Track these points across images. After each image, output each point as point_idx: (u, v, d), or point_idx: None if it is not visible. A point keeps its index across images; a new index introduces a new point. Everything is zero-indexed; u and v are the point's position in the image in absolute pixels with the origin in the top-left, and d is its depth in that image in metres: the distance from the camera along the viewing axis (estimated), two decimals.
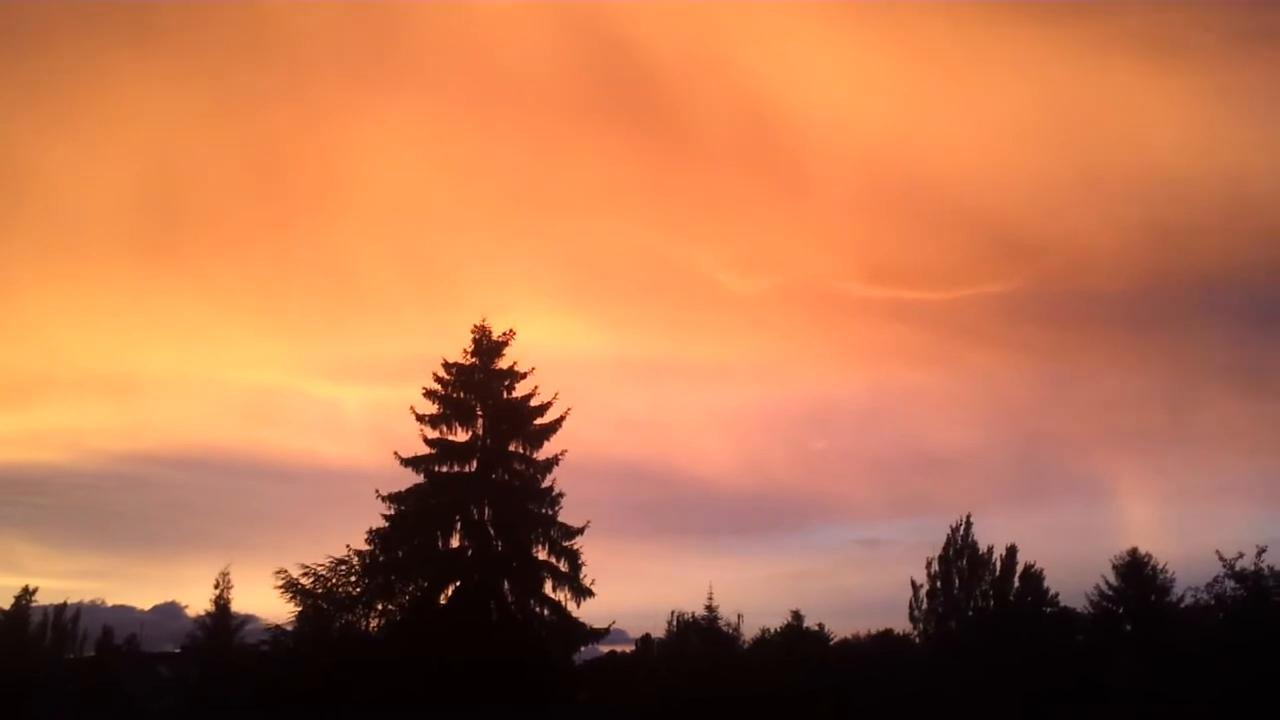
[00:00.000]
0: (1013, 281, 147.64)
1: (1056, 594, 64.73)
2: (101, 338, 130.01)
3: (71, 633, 70.11)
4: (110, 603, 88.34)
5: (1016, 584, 64.22)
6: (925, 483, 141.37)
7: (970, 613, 64.21)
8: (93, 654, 70.30)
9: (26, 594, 67.57)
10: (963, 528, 65.60)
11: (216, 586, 57.75)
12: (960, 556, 64.95)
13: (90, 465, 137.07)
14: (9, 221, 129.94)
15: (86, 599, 76.89)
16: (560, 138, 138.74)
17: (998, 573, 64.59)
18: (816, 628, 68.52)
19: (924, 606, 64.60)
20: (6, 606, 67.62)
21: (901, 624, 68.15)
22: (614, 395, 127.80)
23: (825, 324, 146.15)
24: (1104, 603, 64.29)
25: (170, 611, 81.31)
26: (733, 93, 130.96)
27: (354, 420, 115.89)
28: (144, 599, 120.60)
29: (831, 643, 69.24)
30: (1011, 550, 64.85)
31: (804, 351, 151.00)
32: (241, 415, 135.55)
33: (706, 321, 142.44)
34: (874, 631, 73.40)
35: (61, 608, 69.81)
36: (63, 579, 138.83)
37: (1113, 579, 64.38)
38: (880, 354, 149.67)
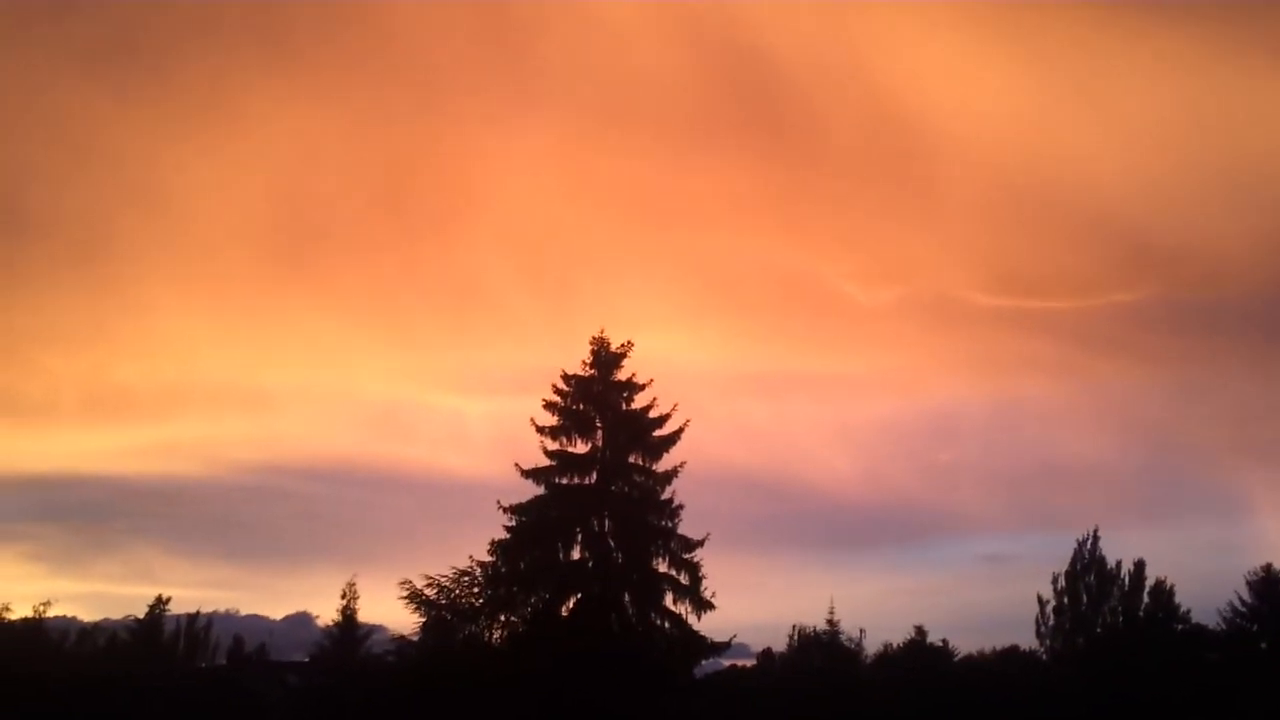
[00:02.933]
0: (1144, 290, 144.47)
1: (1188, 610, 63.14)
2: (234, 352, 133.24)
3: (203, 641, 71.45)
4: (244, 612, 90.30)
5: (1146, 600, 62.77)
6: (1052, 496, 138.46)
7: (1098, 629, 62.85)
8: (224, 662, 71.74)
9: (160, 603, 69.16)
10: (1090, 542, 64.31)
11: (343, 597, 58.57)
12: (1088, 572, 63.64)
13: (223, 477, 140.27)
14: (145, 239, 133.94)
15: (220, 608, 78.60)
16: (685, 149, 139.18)
17: (1126, 588, 63.19)
18: (940, 644, 67.49)
19: (1051, 623, 63.41)
20: (141, 615, 69.35)
21: (1027, 640, 66.93)
22: (736, 407, 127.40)
23: (951, 335, 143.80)
24: (1237, 620, 62.52)
25: (301, 621, 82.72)
26: (860, 101, 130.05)
27: (478, 432, 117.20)
28: (276, 609, 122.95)
29: (956, 659, 68.10)
30: (1140, 565, 63.48)
31: (929, 363, 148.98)
32: (369, 427, 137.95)
33: (830, 333, 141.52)
34: (999, 648, 72.06)
35: (194, 617, 71.30)
36: (196, 588, 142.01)
37: (1247, 595, 62.64)
38: (1007, 365, 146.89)
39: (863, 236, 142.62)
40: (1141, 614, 62.27)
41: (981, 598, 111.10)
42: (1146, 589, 62.69)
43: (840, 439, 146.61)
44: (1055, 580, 63.94)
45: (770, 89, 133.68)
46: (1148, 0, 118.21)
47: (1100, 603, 63.15)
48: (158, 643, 68.69)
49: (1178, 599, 62.79)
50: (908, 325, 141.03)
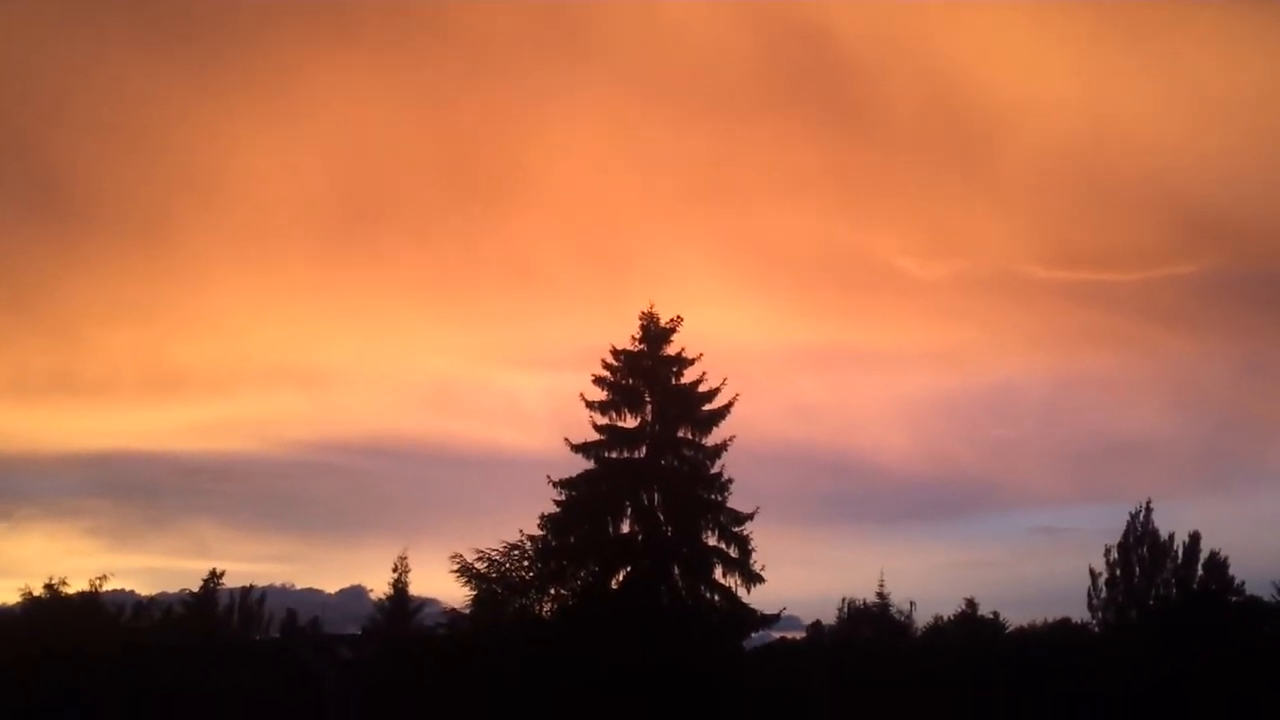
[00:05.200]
0: (1205, 261, 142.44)
1: (1243, 583, 62.32)
2: (289, 329, 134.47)
3: (257, 614, 72.19)
4: (299, 586, 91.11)
5: (1200, 572, 62.07)
6: (1107, 469, 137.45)
7: (1151, 601, 62.30)
8: (277, 635, 72.46)
9: (214, 577, 69.87)
10: (1143, 514, 63.64)
11: (395, 570, 59.07)
12: (1141, 544, 62.91)
13: (278, 453, 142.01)
14: (201, 218, 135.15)
15: (276, 582, 79.33)
16: (741, 124, 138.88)
17: (1180, 560, 62.52)
18: (991, 616, 67.16)
19: (1103, 595, 62.86)
20: (196, 589, 70.11)
21: (1079, 613, 66.40)
22: (791, 382, 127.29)
23: (1009, 308, 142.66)
24: None
25: (356, 594, 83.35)
26: (918, 73, 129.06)
27: (531, 407, 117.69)
28: (331, 582, 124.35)
29: (1007, 631, 67.76)
30: (1195, 537, 62.66)
31: (986, 337, 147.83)
32: (422, 403, 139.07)
33: (886, 308, 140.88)
34: (1051, 620, 71.57)
35: (248, 590, 72.03)
36: (251, 563, 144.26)
37: None
38: (1065, 338, 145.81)
39: (920, 210, 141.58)
40: (1195, 586, 61.63)
41: (1033, 570, 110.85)
42: (1201, 561, 61.98)
43: (894, 414, 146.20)
44: (1107, 552, 63.28)
45: (827, 62, 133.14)
46: None
47: (1153, 575, 62.47)
48: (212, 616, 69.42)
49: (1232, 571, 62.06)
50: (965, 299, 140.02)
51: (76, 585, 64.12)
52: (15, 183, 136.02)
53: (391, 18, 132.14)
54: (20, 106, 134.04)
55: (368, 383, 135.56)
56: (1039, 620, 72.69)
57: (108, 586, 66.53)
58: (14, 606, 66.83)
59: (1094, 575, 63.17)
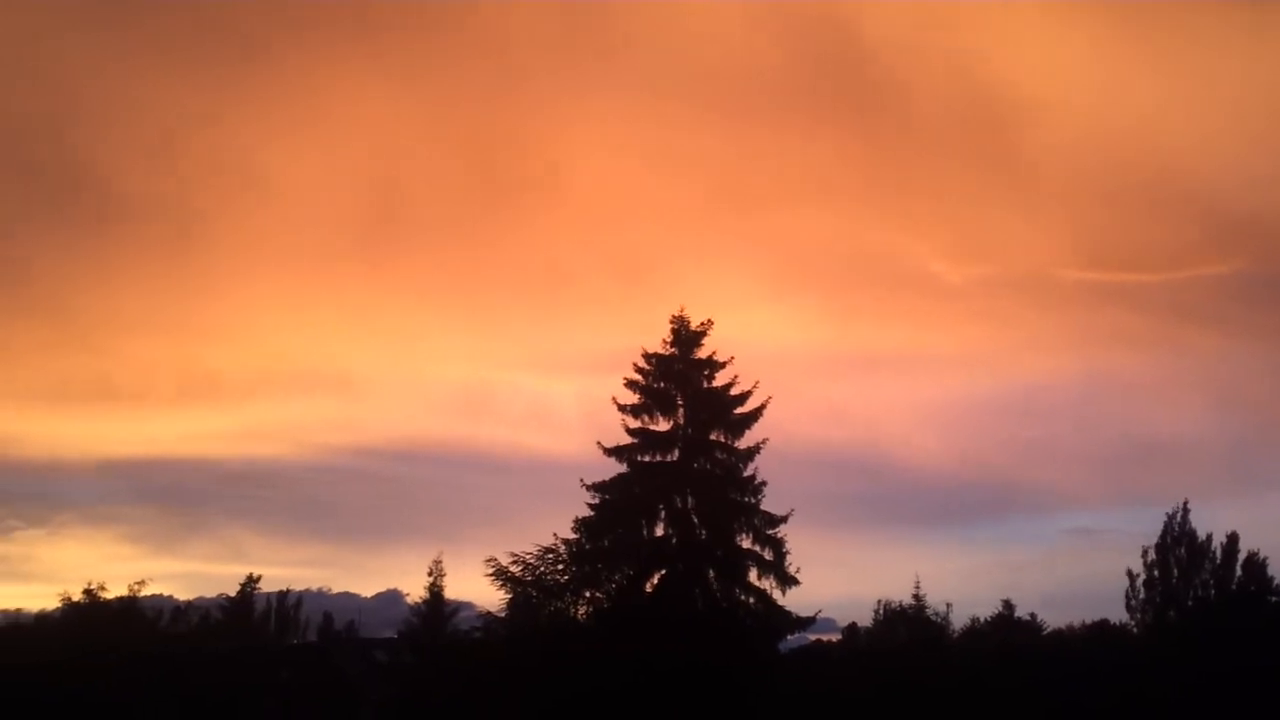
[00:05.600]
0: (1235, 262, 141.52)
1: None
2: (322, 337, 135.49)
3: (294, 618, 72.56)
4: (335, 590, 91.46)
5: (1239, 573, 61.59)
6: (1141, 470, 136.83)
7: (1190, 603, 61.85)
8: (314, 639, 72.85)
9: (251, 581, 70.26)
10: (1180, 515, 63.15)
11: (430, 574, 59.24)
12: (1178, 545, 62.42)
13: (313, 459, 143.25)
14: (237, 225, 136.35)
15: (313, 587, 79.57)
16: (769, 127, 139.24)
17: (1218, 561, 62.02)
18: (1029, 618, 66.88)
19: (1141, 596, 62.42)
20: (233, 593, 70.55)
21: (1117, 615, 66.04)
22: (823, 385, 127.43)
23: (1040, 310, 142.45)
24: None
25: (391, 599, 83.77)
26: (948, 78, 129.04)
27: (562, 411, 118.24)
28: (367, 586, 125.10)
29: (1044, 633, 67.46)
30: (1233, 538, 62.13)
31: (1018, 339, 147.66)
32: (455, 408, 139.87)
33: (918, 311, 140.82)
34: (1088, 622, 71.22)
35: (284, 594, 72.42)
36: (287, 567, 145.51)
37: None
38: (1097, 339, 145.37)
39: (950, 214, 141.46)
40: (1234, 587, 61.16)
41: (1070, 572, 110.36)
42: (1239, 562, 61.51)
43: (928, 416, 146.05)
44: (1145, 554, 62.80)
45: (857, 67, 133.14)
46: None
47: (1191, 576, 61.99)
48: (249, 620, 69.85)
49: (1271, 572, 61.57)
50: (996, 302, 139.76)
51: (115, 590, 64.69)
52: (52, 194, 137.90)
53: (419, 25, 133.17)
54: (56, 117, 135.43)
55: (401, 388, 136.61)
56: (1076, 622, 72.47)
57: (146, 591, 67.07)
58: (54, 611, 67.50)
59: (1132, 577, 62.74)
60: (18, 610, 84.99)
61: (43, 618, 71.12)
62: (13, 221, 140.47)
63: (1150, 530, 63.61)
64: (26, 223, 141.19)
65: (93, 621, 62.52)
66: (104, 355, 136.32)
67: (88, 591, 63.76)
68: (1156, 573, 62.36)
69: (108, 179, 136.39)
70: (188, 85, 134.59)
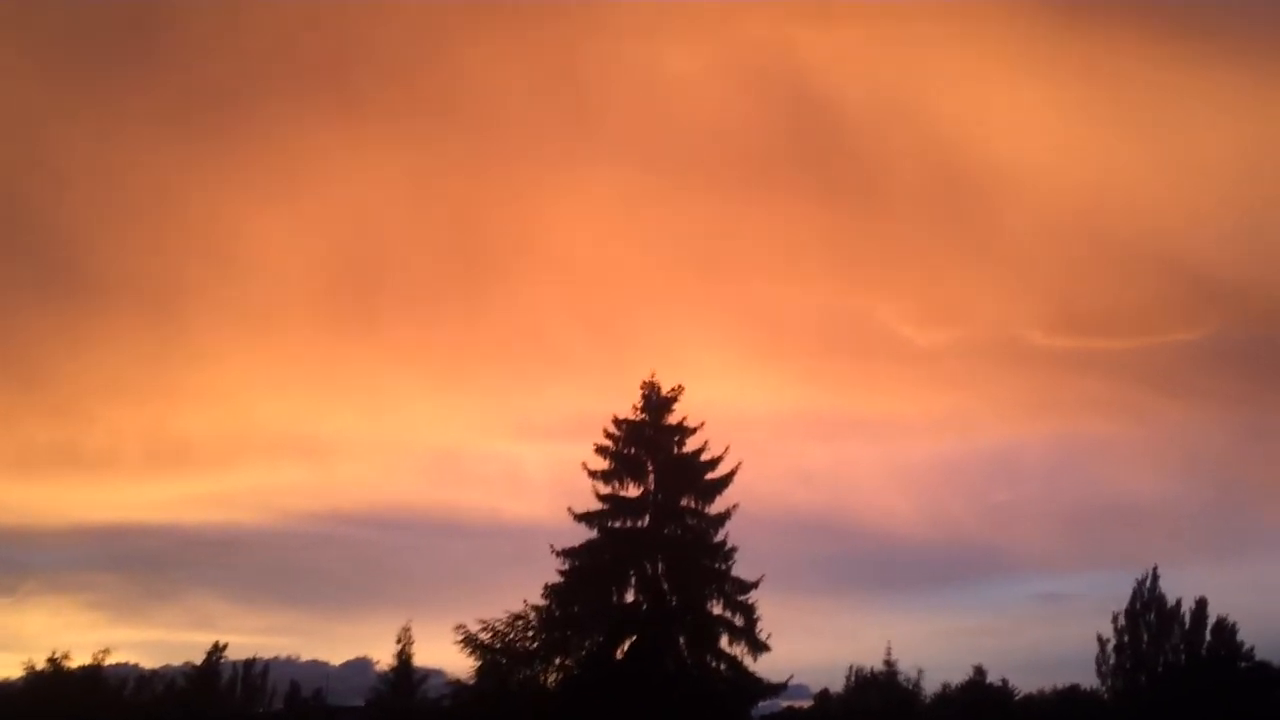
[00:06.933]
0: (1204, 328, 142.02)
1: (1252, 648, 62.20)
2: (292, 401, 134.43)
3: (260, 687, 71.77)
4: (304, 658, 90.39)
5: (1208, 638, 61.95)
6: (1111, 535, 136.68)
7: (1160, 668, 62.03)
8: (280, 708, 72.06)
9: (217, 649, 69.55)
10: (1149, 580, 63.57)
11: (398, 641, 58.82)
12: (1148, 610, 62.86)
13: (281, 525, 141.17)
14: (206, 291, 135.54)
15: (281, 654, 78.73)
16: (740, 194, 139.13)
17: (1188, 626, 62.39)
18: (1000, 683, 66.82)
19: (1111, 661, 62.61)
20: (199, 662, 69.83)
21: (1088, 679, 66.14)
22: (792, 451, 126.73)
23: (1009, 375, 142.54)
24: None
25: (361, 667, 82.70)
26: (915, 143, 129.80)
27: (533, 476, 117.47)
28: (336, 654, 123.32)
29: (1016, 699, 67.39)
30: (1201, 603, 62.67)
31: (986, 403, 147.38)
32: (425, 473, 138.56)
33: (886, 375, 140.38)
34: (1060, 687, 71.19)
35: (250, 663, 71.64)
36: (256, 635, 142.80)
37: None
38: (1066, 405, 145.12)
39: (918, 278, 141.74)
40: (1204, 652, 61.43)
41: (1040, 637, 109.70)
42: (1209, 627, 61.88)
43: (896, 480, 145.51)
44: (1115, 619, 63.19)
45: (825, 133, 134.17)
46: (1206, 38, 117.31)
47: (1161, 641, 62.36)
48: (215, 689, 69.07)
49: (1240, 637, 61.97)
50: (964, 366, 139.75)
51: (80, 659, 64.05)
52: (21, 258, 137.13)
53: (398, 93, 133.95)
54: (27, 182, 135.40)
55: (371, 453, 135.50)
56: (1048, 687, 72.44)
57: (111, 660, 66.47)
58: (17, 680, 66.73)
59: (1102, 642, 63.07)
60: None
61: (6, 686, 70.27)
62: None
63: (1120, 595, 64.03)
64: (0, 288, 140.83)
65: (57, 690, 61.86)
66: (72, 422, 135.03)
67: (52, 660, 63.16)
68: (1126, 638, 62.71)
69: (80, 247, 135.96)
70: (163, 157, 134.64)
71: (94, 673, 64.77)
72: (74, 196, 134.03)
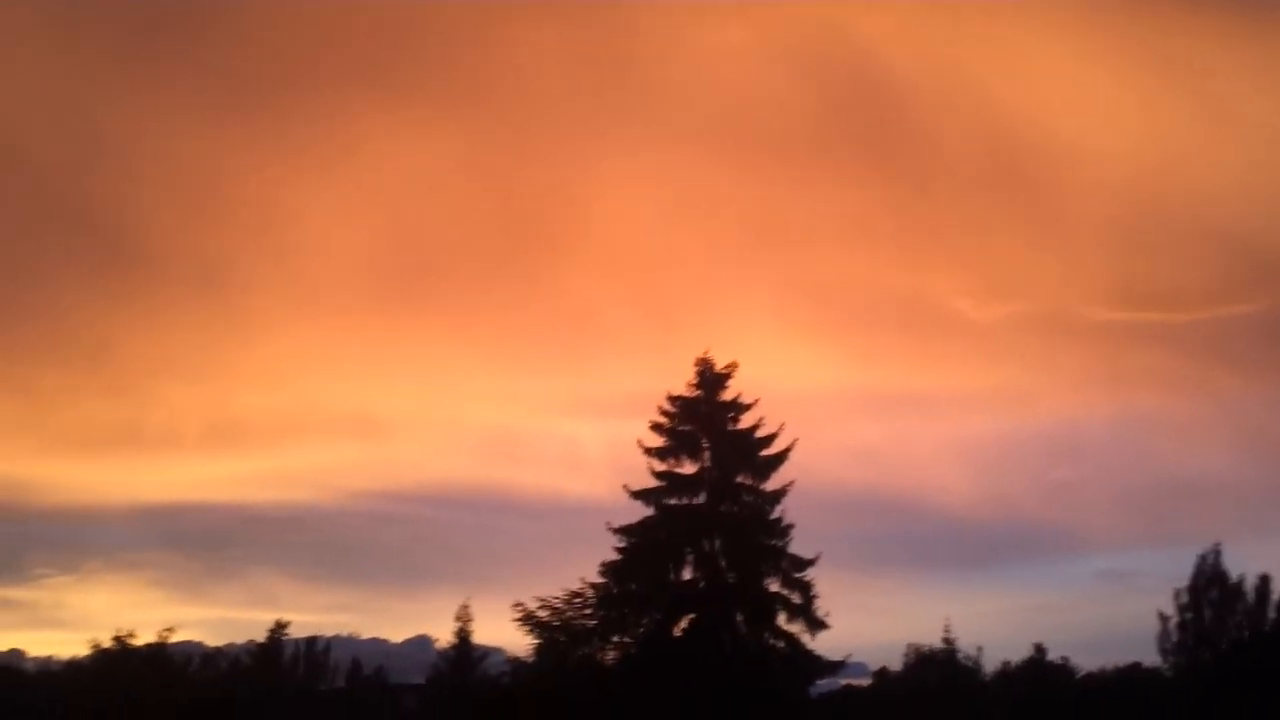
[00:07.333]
0: (1264, 300, 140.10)
1: None
2: (349, 381, 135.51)
3: (323, 664, 72.47)
4: (365, 635, 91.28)
5: (1273, 614, 61.11)
6: (1172, 511, 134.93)
7: (1223, 644, 61.31)
8: (342, 685, 72.78)
9: (279, 627, 70.30)
10: (1212, 556, 62.71)
11: (458, 619, 59.25)
12: (1210, 586, 61.95)
13: (340, 504, 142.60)
14: (262, 272, 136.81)
15: (342, 632, 79.55)
16: (794, 168, 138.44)
17: (1251, 602, 61.58)
18: (1061, 661, 66.37)
19: (1174, 639, 61.94)
20: (262, 639, 70.64)
21: (1150, 657, 65.50)
22: (849, 426, 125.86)
23: (1068, 350, 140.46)
24: None
25: (421, 644, 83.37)
26: (973, 115, 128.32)
27: (589, 454, 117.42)
28: (397, 632, 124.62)
29: (1077, 677, 66.90)
30: (1265, 579, 61.72)
31: (1045, 379, 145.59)
32: (482, 452, 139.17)
33: (943, 351, 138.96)
34: (1121, 665, 70.61)
35: (312, 640, 72.35)
36: (316, 612, 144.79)
37: None
38: (1126, 379, 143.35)
39: (976, 252, 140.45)
40: (1268, 628, 60.62)
41: (1101, 615, 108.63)
42: (1273, 603, 61.02)
43: (955, 457, 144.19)
44: (1177, 595, 62.37)
45: (881, 105, 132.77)
46: (1266, 11, 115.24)
47: (1224, 618, 61.49)
48: (278, 666, 69.80)
49: None
50: (1023, 341, 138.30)
51: (144, 637, 64.95)
52: (81, 240, 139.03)
53: (447, 73, 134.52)
54: (87, 166, 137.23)
55: (427, 432, 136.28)
56: (1109, 665, 71.88)
57: (175, 638, 67.37)
58: (84, 658, 67.83)
59: (1164, 619, 62.32)
60: (49, 657, 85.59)
61: (73, 665, 71.50)
62: (44, 268, 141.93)
63: (1182, 572, 63.13)
64: (57, 270, 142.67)
65: (123, 668, 62.77)
66: (132, 401, 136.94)
67: (117, 638, 64.09)
68: (1189, 615, 61.89)
69: (138, 229, 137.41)
70: (221, 139, 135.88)
71: (159, 651, 65.68)
72: (132, 180, 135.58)
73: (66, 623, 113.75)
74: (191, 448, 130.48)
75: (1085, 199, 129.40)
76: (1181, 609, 62.10)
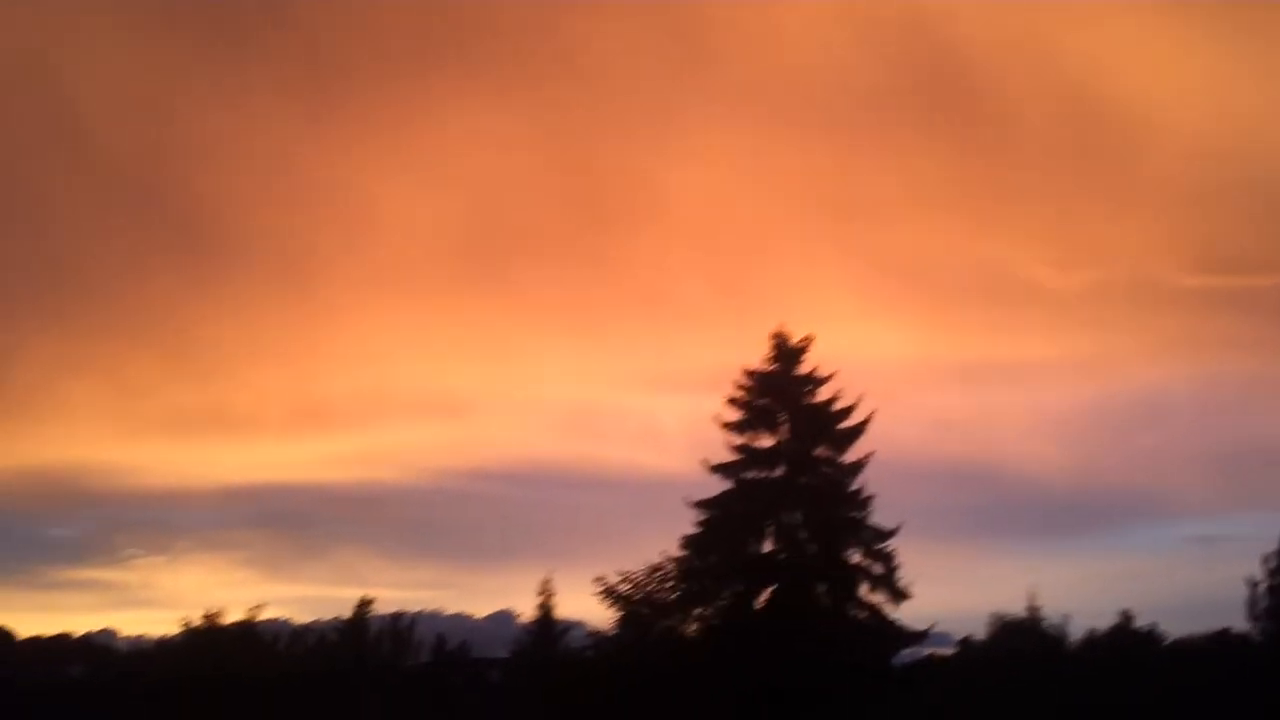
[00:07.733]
0: None
1: None
2: (430, 360, 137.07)
3: (408, 640, 73.51)
4: (448, 611, 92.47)
5: None
6: (1260, 476, 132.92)
7: None
8: (427, 660, 73.77)
9: (365, 604, 71.47)
10: None
11: (540, 594, 59.80)
12: None
13: (422, 481, 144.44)
14: (343, 254, 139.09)
15: (426, 608, 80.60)
16: (870, 140, 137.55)
17: None
18: (1148, 628, 65.71)
19: (1262, 604, 61.18)
20: (348, 616, 71.72)
21: (1239, 623, 64.71)
22: (929, 397, 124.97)
23: (1150, 316, 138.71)
24: None
25: (504, 619, 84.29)
26: (1051, 83, 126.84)
27: (667, 429, 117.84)
28: (479, 607, 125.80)
29: (1165, 644, 66.24)
30: None
31: (1128, 346, 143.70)
32: (562, 428, 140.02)
33: (1023, 319, 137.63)
34: (1210, 631, 69.76)
35: (398, 616, 73.43)
36: (400, 589, 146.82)
37: None
38: (1209, 345, 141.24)
39: (1054, 221, 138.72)
40: None
41: (1189, 581, 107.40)
42: None
43: (1038, 425, 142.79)
44: (1265, 560, 61.67)
45: (958, 75, 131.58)
46: None
47: None
48: (364, 642, 70.96)
49: None
50: (1104, 309, 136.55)
51: (233, 615, 66.28)
52: (164, 229, 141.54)
53: (522, 52, 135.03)
54: (167, 155, 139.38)
55: (508, 410, 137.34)
56: (1197, 631, 71.07)
57: (263, 616, 68.67)
58: (175, 636, 69.39)
59: (1253, 584, 61.62)
60: (140, 636, 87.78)
61: (164, 643, 73.15)
62: (133, 256, 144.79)
63: (1271, 536, 62.43)
64: (146, 258, 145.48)
65: (214, 646, 64.07)
66: (218, 384, 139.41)
67: (207, 617, 65.46)
68: (1278, 579, 61.12)
69: (219, 216, 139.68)
70: (299, 122, 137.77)
71: (248, 628, 67.08)
72: (212, 167, 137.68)
73: (157, 602, 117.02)
74: (277, 430, 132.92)
75: (1165, 165, 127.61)
76: (1271, 574, 61.39)
